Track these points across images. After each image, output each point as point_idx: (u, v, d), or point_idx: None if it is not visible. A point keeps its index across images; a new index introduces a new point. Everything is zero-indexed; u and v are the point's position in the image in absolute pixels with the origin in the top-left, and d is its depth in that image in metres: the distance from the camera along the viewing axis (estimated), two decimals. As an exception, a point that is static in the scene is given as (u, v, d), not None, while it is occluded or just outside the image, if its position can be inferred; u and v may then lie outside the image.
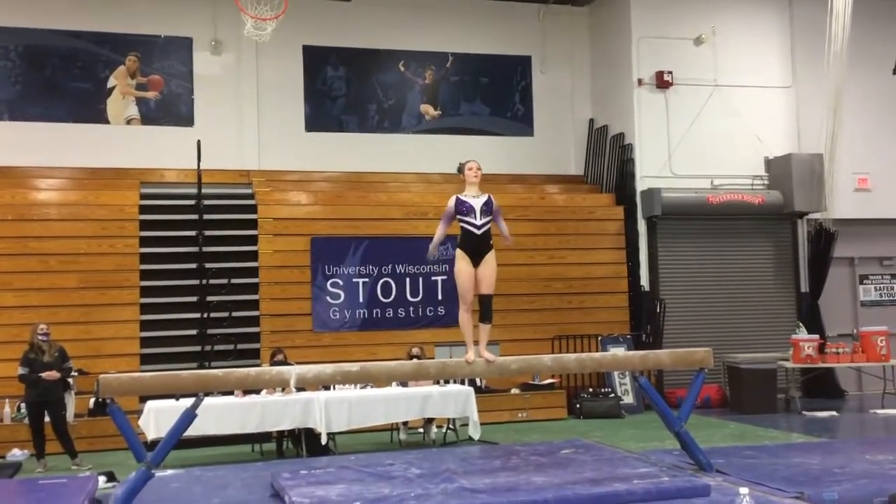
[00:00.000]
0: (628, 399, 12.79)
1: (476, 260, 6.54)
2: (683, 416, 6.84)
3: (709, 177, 13.98)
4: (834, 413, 11.87)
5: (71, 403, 10.17)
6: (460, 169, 6.84)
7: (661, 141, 13.94)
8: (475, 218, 6.53)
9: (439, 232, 6.70)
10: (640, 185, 13.86)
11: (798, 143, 14.38)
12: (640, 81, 13.96)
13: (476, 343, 6.61)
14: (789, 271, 14.24)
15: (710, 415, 12.03)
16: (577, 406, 12.31)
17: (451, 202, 6.63)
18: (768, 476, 6.40)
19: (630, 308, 13.67)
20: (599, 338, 12.97)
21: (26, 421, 10.06)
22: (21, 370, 9.40)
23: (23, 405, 10.22)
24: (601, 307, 13.46)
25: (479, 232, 6.54)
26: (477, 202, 6.59)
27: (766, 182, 14.27)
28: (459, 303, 6.67)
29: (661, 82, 13.93)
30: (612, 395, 12.52)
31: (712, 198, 13.69)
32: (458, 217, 6.58)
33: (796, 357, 12.09)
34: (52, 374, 9.39)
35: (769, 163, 14.31)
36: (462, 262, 6.54)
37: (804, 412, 11.89)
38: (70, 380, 10.06)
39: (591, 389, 12.61)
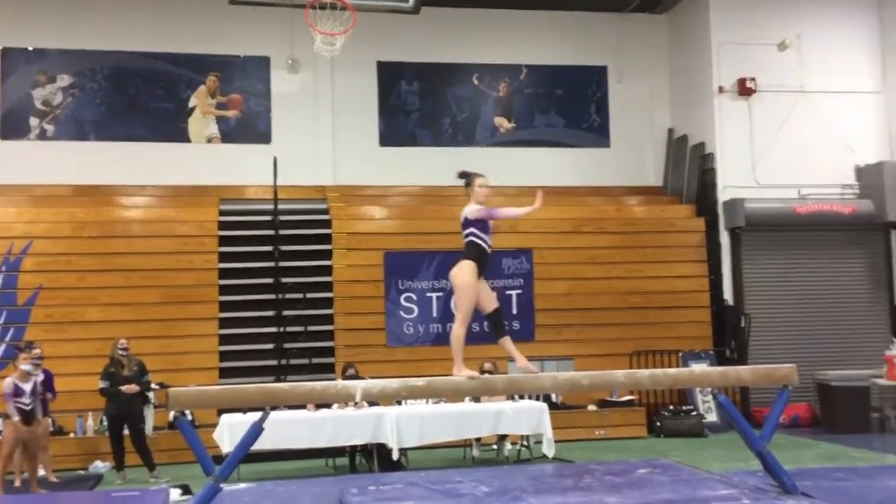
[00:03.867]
0: (711, 417, 12.35)
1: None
2: (766, 435, 6.49)
3: (795, 186, 13.46)
4: (932, 434, 11.24)
5: (150, 416, 10.38)
6: (471, 183, 6.39)
7: (743, 150, 13.50)
8: (489, 236, 6.27)
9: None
10: (723, 195, 13.44)
11: (890, 151, 13.76)
12: (721, 89, 13.56)
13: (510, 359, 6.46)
14: (882, 284, 13.58)
15: (800, 434, 11.52)
16: (658, 424, 11.95)
17: (484, 212, 6.24)
18: (859, 500, 6.03)
19: (713, 323, 13.22)
20: (680, 353, 12.58)
21: (108, 434, 10.30)
22: (102, 383, 9.64)
23: (104, 418, 10.47)
24: (682, 322, 13.05)
25: (489, 251, 6.27)
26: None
27: (856, 191, 13.66)
28: (461, 318, 6.18)
29: (744, 89, 13.50)
30: (695, 412, 12.12)
31: (799, 208, 13.17)
32: (475, 232, 6.22)
33: (891, 374, 11.51)
34: (131, 388, 9.59)
35: (860, 171, 13.70)
36: (475, 278, 6.17)
37: (900, 432, 11.31)
38: (149, 393, 10.27)
39: (671, 407, 12.22)
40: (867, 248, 13.63)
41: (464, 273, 6.16)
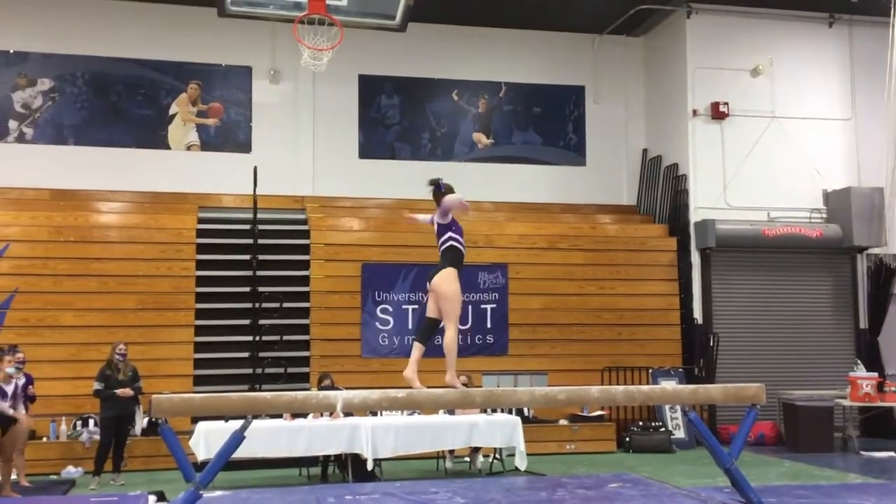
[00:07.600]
0: (679, 434, 12.58)
1: None
2: (734, 452, 6.69)
3: (765, 209, 13.79)
4: (893, 454, 11.50)
5: (139, 417, 10.49)
6: (450, 193, 6.37)
7: (716, 172, 13.80)
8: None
9: (424, 218, 6.45)
10: (694, 216, 13.73)
11: (858, 177, 14.12)
12: (695, 112, 13.87)
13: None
14: (848, 307, 13.92)
15: (765, 452, 11.77)
16: (627, 439, 12.14)
17: (450, 218, 6.36)
18: (821, 517, 6.23)
19: (682, 341, 13.48)
20: (650, 370, 12.81)
21: (81, 438, 10.33)
22: (97, 385, 9.73)
23: (78, 423, 10.50)
24: (653, 339, 13.30)
25: (464, 251, 6.39)
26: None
27: (824, 215, 14.02)
28: (454, 325, 6.27)
29: (717, 113, 13.82)
30: (663, 429, 12.33)
31: (768, 230, 13.48)
32: (451, 236, 6.32)
33: (854, 395, 11.79)
34: (125, 392, 9.73)
35: (828, 196, 14.06)
36: (459, 284, 6.28)
37: (862, 452, 11.57)
38: (139, 396, 10.37)
39: (641, 423, 12.43)
40: (833, 272, 13.97)
41: (451, 282, 6.24)
